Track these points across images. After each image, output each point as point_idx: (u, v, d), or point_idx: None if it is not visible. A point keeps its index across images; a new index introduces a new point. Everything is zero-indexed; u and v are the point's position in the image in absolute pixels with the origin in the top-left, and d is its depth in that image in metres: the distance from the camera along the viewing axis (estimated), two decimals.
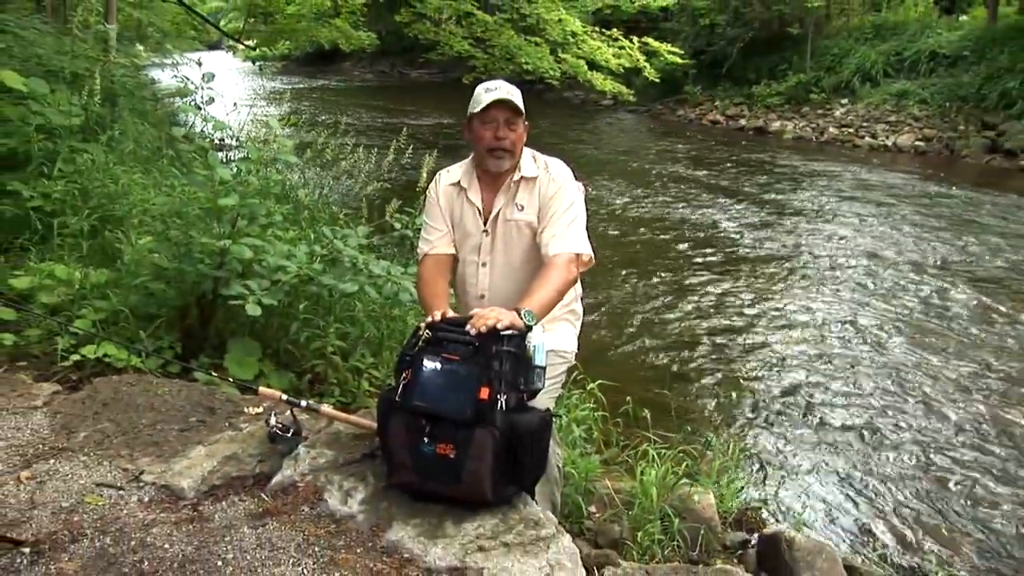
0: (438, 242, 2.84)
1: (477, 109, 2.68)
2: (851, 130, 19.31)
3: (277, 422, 2.78)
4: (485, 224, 2.78)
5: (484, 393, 2.26)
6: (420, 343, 2.42)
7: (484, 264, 2.79)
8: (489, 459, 2.26)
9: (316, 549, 2.22)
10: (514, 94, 2.69)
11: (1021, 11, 20.37)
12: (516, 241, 2.76)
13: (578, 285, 2.90)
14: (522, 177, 2.75)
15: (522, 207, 2.75)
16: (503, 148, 2.70)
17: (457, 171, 2.87)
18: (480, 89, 2.72)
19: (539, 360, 2.36)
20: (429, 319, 2.43)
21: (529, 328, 2.38)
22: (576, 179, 2.83)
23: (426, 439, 2.29)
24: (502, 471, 2.31)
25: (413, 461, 2.34)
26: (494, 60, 14.57)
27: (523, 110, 2.71)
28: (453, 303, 2.81)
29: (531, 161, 2.80)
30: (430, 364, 2.34)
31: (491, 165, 2.74)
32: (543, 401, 2.56)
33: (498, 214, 2.77)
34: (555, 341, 2.76)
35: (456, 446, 2.26)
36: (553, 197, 2.73)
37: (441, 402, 2.29)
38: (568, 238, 2.67)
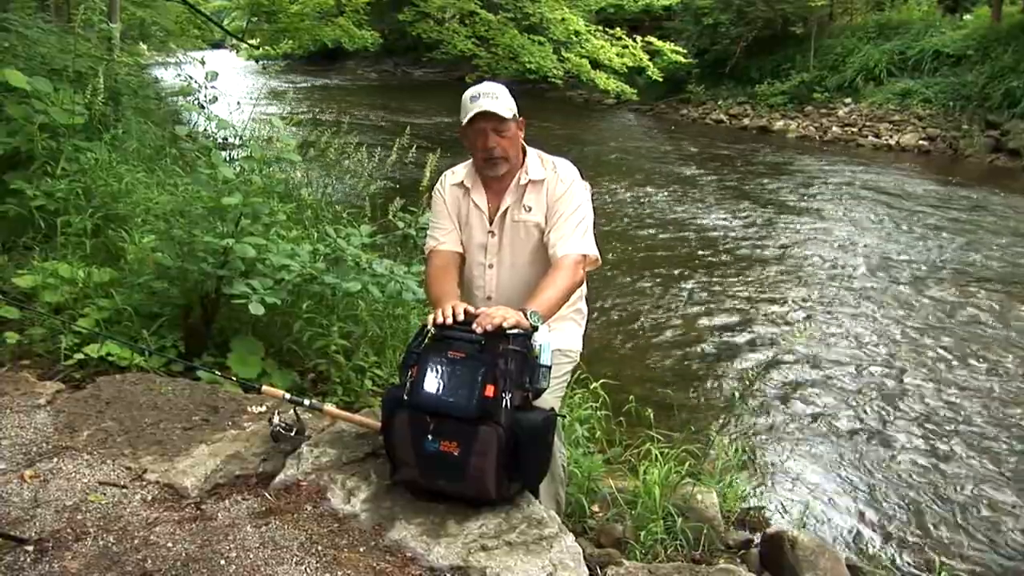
0: (445, 238, 2.84)
1: (464, 120, 2.66)
2: (854, 129, 19.26)
3: (280, 421, 2.79)
4: (491, 224, 2.78)
5: (490, 391, 2.26)
6: (426, 341, 2.42)
7: (491, 265, 2.79)
8: (493, 456, 2.26)
9: (319, 548, 2.22)
10: (499, 99, 2.65)
11: None
12: (523, 242, 2.76)
13: (583, 284, 2.89)
14: (530, 180, 2.74)
15: (530, 208, 2.74)
16: (494, 156, 2.69)
17: (461, 171, 2.87)
18: (465, 98, 2.68)
19: (545, 360, 2.37)
20: (437, 317, 2.41)
21: (535, 328, 2.38)
22: (582, 179, 2.82)
23: (430, 436, 2.29)
24: (506, 469, 2.31)
25: (417, 458, 2.34)
26: (497, 59, 14.56)
27: (511, 113, 2.66)
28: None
29: (538, 163, 2.78)
30: (436, 361, 2.34)
31: (487, 172, 2.75)
32: (548, 400, 2.57)
33: (503, 215, 2.76)
34: (561, 340, 2.76)
35: (460, 443, 2.27)
36: (560, 198, 2.72)
37: (447, 399, 2.29)
38: (575, 239, 2.67)
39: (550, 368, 2.39)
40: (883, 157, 17.27)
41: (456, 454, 2.27)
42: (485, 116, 2.63)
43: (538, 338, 2.38)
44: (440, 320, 2.39)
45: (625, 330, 7.15)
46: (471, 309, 2.45)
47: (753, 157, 17.06)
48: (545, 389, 2.41)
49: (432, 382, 2.31)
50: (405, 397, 2.33)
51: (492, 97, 2.65)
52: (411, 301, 4.16)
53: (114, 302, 3.88)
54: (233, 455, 2.72)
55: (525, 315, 2.36)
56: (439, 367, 2.33)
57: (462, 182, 2.83)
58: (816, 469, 4.91)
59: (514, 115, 2.69)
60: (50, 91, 4.94)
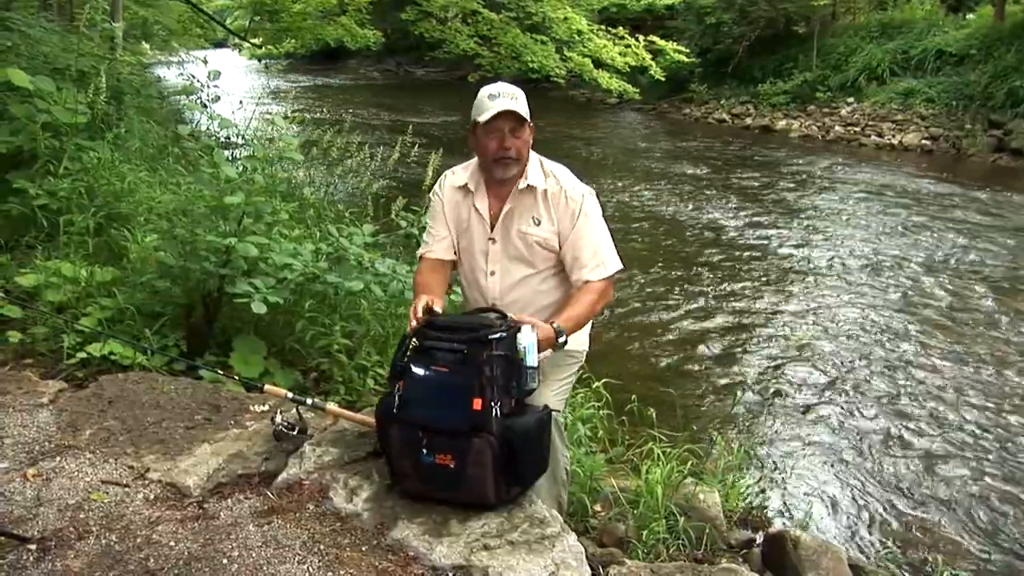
0: (436, 246, 2.81)
1: (481, 119, 2.58)
2: (857, 129, 19.22)
3: (282, 420, 2.79)
4: (491, 231, 2.72)
5: (477, 404, 2.26)
6: (409, 352, 2.42)
7: (493, 273, 2.74)
8: (489, 466, 2.27)
9: (321, 547, 2.22)
10: (518, 100, 2.60)
11: None
12: (527, 252, 2.70)
13: None
14: (529, 186, 2.66)
15: (539, 222, 2.67)
16: (509, 157, 2.61)
17: (463, 174, 2.79)
18: (483, 95, 2.62)
19: (531, 361, 2.36)
20: (411, 322, 2.45)
21: (563, 344, 2.46)
22: (581, 180, 2.79)
23: (424, 450, 2.30)
24: (503, 474, 2.32)
25: (415, 469, 2.36)
26: (500, 58, 14.54)
27: (527, 116, 2.61)
28: (459, 301, 2.80)
29: (538, 170, 2.71)
30: (421, 376, 2.34)
31: (497, 173, 2.66)
32: (552, 402, 2.57)
33: (504, 222, 2.70)
34: (569, 341, 2.74)
35: (455, 456, 2.28)
36: (578, 221, 2.67)
37: (435, 415, 2.30)
38: (604, 266, 2.68)
39: (537, 368, 2.38)
40: (886, 157, 17.24)
41: (452, 466, 2.29)
42: (506, 115, 2.57)
43: (522, 340, 2.37)
44: (412, 326, 2.44)
45: (627, 329, 7.14)
46: (436, 302, 2.50)
47: (755, 157, 17.04)
48: (534, 390, 2.40)
49: (419, 398, 2.32)
50: (395, 412, 2.34)
51: (511, 98, 2.58)
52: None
53: (116, 301, 3.88)
54: (235, 454, 2.72)
55: (554, 331, 2.46)
56: (424, 382, 2.33)
57: (465, 185, 2.76)
58: (818, 469, 4.91)
59: (528, 119, 2.63)
60: (53, 90, 4.94)
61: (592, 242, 2.68)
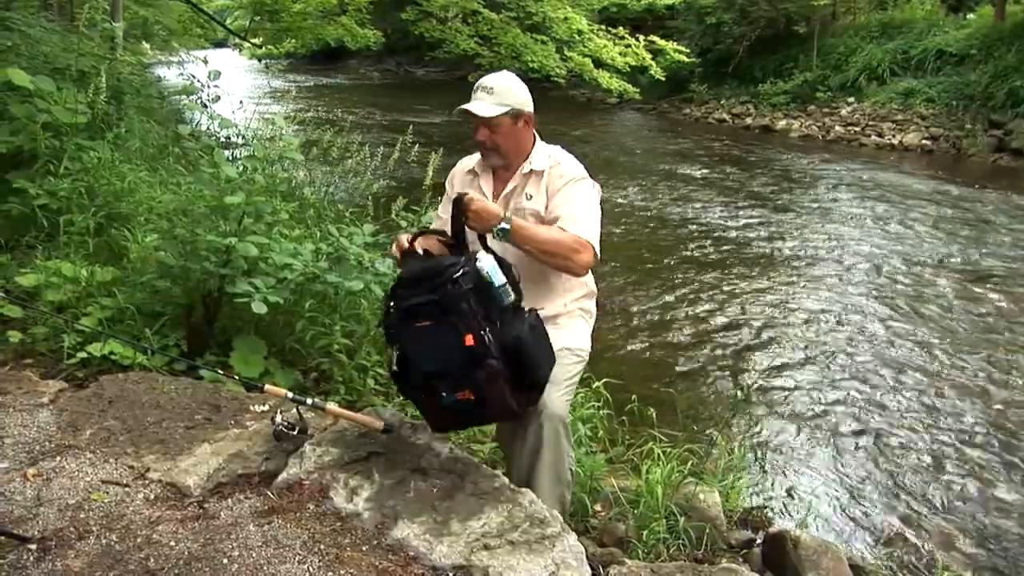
0: (438, 223, 2.99)
1: None
2: (857, 129, 19.21)
3: (283, 420, 2.79)
4: None
5: (469, 340, 2.36)
6: (392, 314, 2.52)
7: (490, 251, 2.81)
8: (503, 383, 2.39)
9: (321, 547, 2.22)
10: (493, 94, 2.76)
11: None
12: None
13: (591, 282, 2.99)
14: (531, 170, 2.85)
15: (531, 196, 2.83)
16: (485, 147, 2.85)
17: (476, 157, 3.00)
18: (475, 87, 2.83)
19: (497, 281, 2.46)
20: (392, 250, 2.68)
21: (504, 231, 2.53)
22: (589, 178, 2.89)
23: (444, 394, 2.43)
24: (518, 385, 2.44)
25: (443, 414, 2.53)
26: (500, 58, 14.55)
27: (500, 110, 2.74)
28: None
29: (543, 155, 2.89)
30: (412, 338, 2.46)
31: (483, 159, 2.92)
32: (558, 403, 2.60)
33: (504, 201, 2.85)
34: (570, 339, 2.83)
35: (473, 389, 2.40)
36: (560, 192, 2.80)
37: (439, 365, 2.41)
38: (590, 236, 2.70)
39: (507, 284, 2.47)
40: (886, 156, 17.24)
41: (473, 398, 2.41)
42: (471, 113, 2.75)
43: (482, 266, 2.46)
44: (398, 249, 2.65)
45: (627, 329, 7.14)
46: (403, 239, 2.66)
47: (756, 156, 17.04)
48: (511, 302, 2.49)
49: (419, 354, 2.45)
50: (405, 373, 2.50)
51: (487, 92, 2.76)
52: None
53: (117, 301, 3.88)
54: (235, 454, 2.72)
55: (498, 211, 2.56)
56: (416, 338, 2.44)
57: (473, 168, 2.98)
58: (819, 469, 4.90)
59: (509, 111, 2.77)
60: (53, 90, 4.94)
61: (579, 209, 2.74)
